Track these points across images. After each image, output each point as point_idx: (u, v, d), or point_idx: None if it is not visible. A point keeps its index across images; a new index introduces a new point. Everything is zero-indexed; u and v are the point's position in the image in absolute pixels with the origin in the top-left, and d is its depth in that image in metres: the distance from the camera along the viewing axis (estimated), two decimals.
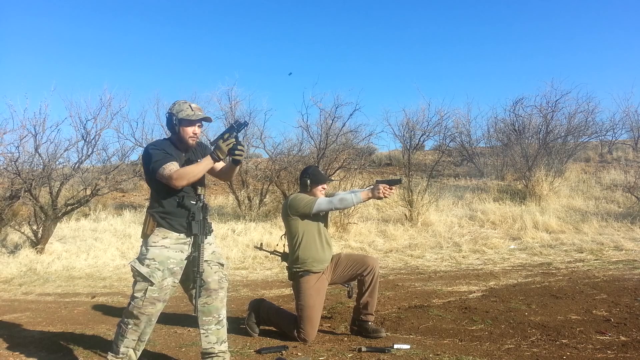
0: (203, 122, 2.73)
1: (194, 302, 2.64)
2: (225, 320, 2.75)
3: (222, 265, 2.76)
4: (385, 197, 3.26)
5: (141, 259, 2.57)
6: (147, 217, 2.63)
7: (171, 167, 2.53)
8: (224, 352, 2.72)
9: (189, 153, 2.74)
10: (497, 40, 41.88)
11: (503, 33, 41.65)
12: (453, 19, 43.26)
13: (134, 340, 2.59)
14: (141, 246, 2.63)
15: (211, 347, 2.68)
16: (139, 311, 2.53)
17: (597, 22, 40.38)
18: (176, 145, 2.69)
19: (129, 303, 2.58)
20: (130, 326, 2.57)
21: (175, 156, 2.62)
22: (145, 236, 2.61)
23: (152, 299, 2.54)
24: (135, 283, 2.58)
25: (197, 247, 2.61)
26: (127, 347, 2.60)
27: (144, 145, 12.20)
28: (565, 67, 37.56)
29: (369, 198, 3.30)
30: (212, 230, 2.75)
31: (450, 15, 43.74)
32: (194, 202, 2.64)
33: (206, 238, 2.67)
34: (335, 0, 47.65)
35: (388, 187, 3.26)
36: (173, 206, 2.60)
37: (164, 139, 2.80)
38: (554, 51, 38.85)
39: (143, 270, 2.53)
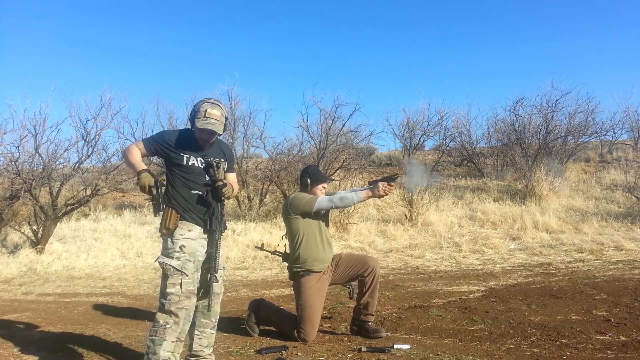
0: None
1: (209, 301, 2.59)
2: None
3: (224, 269, 2.78)
4: (386, 194, 3.27)
5: (169, 253, 2.53)
6: (168, 211, 2.58)
7: (137, 144, 2.72)
8: (209, 354, 2.74)
9: (213, 149, 2.74)
10: (497, 40, 41.91)
11: (503, 33, 41.68)
12: (453, 19, 43.28)
13: (173, 342, 2.47)
14: (165, 241, 2.59)
15: (201, 350, 2.69)
16: (176, 307, 2.45)
17: (597, 22, 40.40)
18: (196, 136, 2.68)
19: (162, 303, 2.49)
20: (169, 326, 2.45)
21: (185, 146, 2.64)
22: (167, 230, 2.56)
23: (188, 292, 2.49)
24: (166, 278, 2.50)
25: (214, 243, 2.61)
26: (166, 352, 2.45)
27: None
28: (565, 67, 37.64)
29: (370, 197, 3.30)
30: (227, 227, 2.75)
31: (450, 15, 43.76)
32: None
33: (221, 234, 2.67)
34: (335, 0, 47.66)
35: (387, 184, 3.26)
36: (193, 200, 2.62)
37: (188, 128, 2.78)
38: (554, 51, 38.90)
39: (174, 263, 2.48)
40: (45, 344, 3.40)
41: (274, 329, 3.56)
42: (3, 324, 4.11)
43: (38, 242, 7.88)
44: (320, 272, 3.41)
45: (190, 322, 2.57)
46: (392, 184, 3.28)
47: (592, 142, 14.79)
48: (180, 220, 2.58)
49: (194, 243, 2.56)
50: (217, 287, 2.69)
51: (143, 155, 2.73)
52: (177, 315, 2.46)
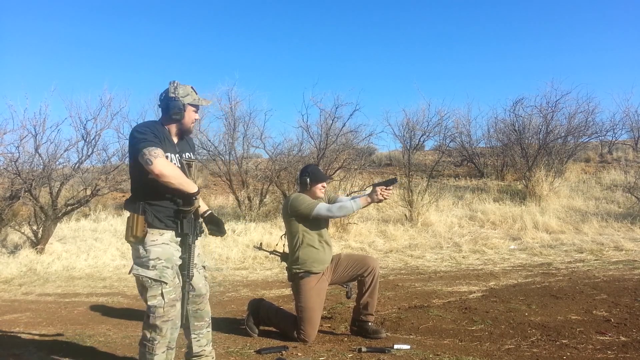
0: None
1: (183, 309, 2.47)
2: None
3: (205, 267, 2.71)
4: (385, 198, 3.29)
5: (142, 262, 2.34)
6: (134, 217, 2.34)
7: (157, 153, 2.29)
8: (211, 350, 2.74)
9: (181, 143, 2.57)
10: (497, 40, 41.90)
11: (503, 33, 41.67)
12: (453, 19, 43.28)
13: (164, 352, 2.41)
14: (136, 249, 2.37)
15: (202, 350, 2.68)
16: (162, 320, 2.32)
17: (597, 22, 40.41)
18: (170, 131, 2.50)
19: (147, 317, 2.36)
20: (157, 341, 2.35)
21: (165, 144, 2.42)
22: (135, 238, 2.33)
23: (172, 301, 2.35)
24: (145, 291, 2.34)
25: (187, 248, 2.45)
26: None
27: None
28: (565, 67, 37.57)
29: (369, 203, 3.33)
30: (203, 230, 2.57)
31: (450, 15, 43.76)
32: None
33: (197, 239, 2.52)
34: (335, 0, 47.68)
35: (385, 188, 3.29)
36: (164, 202, 2.40)
37: (155, 121, 2.53)
38: (554, 51, 38.87)
39: (151, 273, 2.31)
40: (45, 344, 3.41)
41: (274, 329, 3.56)
42: (3, 324, 4.11)
43: (38, 242, 7.88)
44: (320, 273, 3.41)
45: (177, 330, 2.48)
46: (390, 187, 3.31)
47: (592, 142, 14.78)
48: (149, 227, 2.36)
49: (167, 247, 2.38)
50: (204, 288, 2.64)
51: None
52: (161, 329, 2.34)
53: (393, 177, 3.58)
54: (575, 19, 40.17)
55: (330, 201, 3.51)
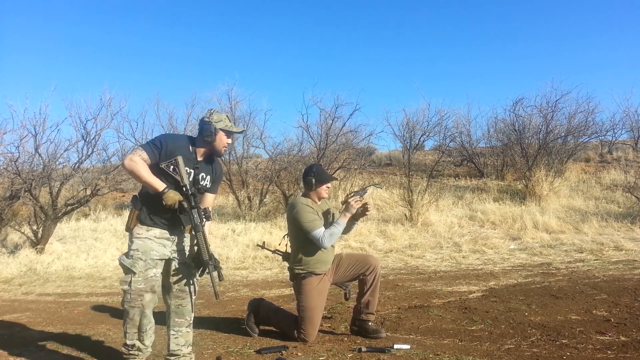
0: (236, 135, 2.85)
1: (214, 290, 2.60)
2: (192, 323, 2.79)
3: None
4: (361, 208, 3.37)
5: (127, 252, 2.62)
6: (132, 212, 2.65)
7: (138, 153, 2.56)
8: (189, 354, 2.75)
9: (205, 165, 2.75)
10: (497, 40, 41.96)
11: (503, 33, 41.72)
12: (453, 19, 43.31)
13: (135, 332, 2.61)
14: (128, 240, 2.67)
15: (178, 349, 2.70)
16: (129, 305, 2.56)
17: (597, 23, 40.44)
18: (197, 150, 2.73)
19: (122, 299, 2.62)
20: (127, 321, 2.59)
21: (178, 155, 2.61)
22: (129, 229, 2.65)
23: (139, 291, 2.54)
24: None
25: (196, 236, 2.59)
26: (132, 340, 2.62)
27: None
28: (565, 67, 37.64)
29: (349, 217, 3.38)
30: (210, 216, 2.69)
31: (451, 15, 43.79)
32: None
33: (203, 224, 2.62)
34: (335, 0, 47.67)
35: (359, 198, 3.37)
36: (158, 203, 2.54)
37: (186, 136, 2.82)
38: (554, 51, 38.93)
39: (126, 262, 2.57)
40: (45, 344, 3.41)
41: (274, 329, 3.56)
42: (3, 324, 4.12)
43: (38, 242, 7.88)
44: (322, 274, 3.40)
45: (149, 318, 2.62)
46: (362, 196, 3.40)
47: (592, 142, 14.78)
48: (140, 223, 2.62)
49: (149, 243, 2.59)
50: (192, 287, 2.73)
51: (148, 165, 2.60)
52: (128, 313, 2.57)
53: (364, 186, 3.68)
54: (575, 19, 40.22)
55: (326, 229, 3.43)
